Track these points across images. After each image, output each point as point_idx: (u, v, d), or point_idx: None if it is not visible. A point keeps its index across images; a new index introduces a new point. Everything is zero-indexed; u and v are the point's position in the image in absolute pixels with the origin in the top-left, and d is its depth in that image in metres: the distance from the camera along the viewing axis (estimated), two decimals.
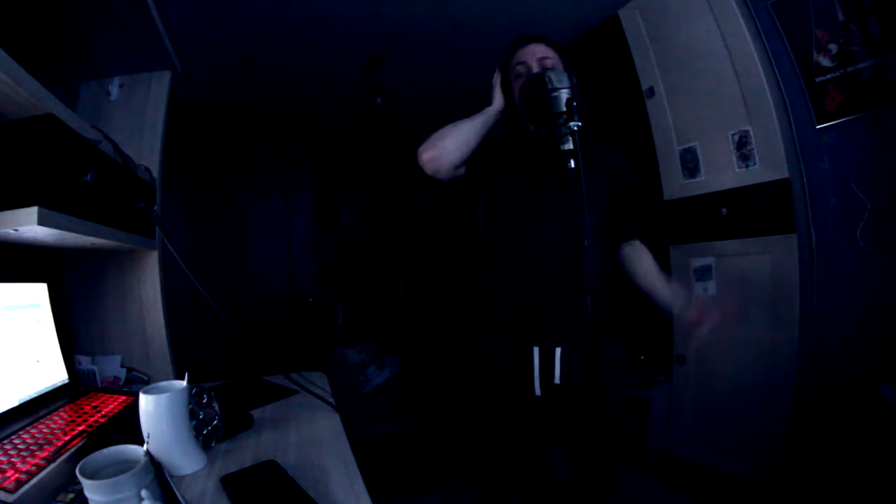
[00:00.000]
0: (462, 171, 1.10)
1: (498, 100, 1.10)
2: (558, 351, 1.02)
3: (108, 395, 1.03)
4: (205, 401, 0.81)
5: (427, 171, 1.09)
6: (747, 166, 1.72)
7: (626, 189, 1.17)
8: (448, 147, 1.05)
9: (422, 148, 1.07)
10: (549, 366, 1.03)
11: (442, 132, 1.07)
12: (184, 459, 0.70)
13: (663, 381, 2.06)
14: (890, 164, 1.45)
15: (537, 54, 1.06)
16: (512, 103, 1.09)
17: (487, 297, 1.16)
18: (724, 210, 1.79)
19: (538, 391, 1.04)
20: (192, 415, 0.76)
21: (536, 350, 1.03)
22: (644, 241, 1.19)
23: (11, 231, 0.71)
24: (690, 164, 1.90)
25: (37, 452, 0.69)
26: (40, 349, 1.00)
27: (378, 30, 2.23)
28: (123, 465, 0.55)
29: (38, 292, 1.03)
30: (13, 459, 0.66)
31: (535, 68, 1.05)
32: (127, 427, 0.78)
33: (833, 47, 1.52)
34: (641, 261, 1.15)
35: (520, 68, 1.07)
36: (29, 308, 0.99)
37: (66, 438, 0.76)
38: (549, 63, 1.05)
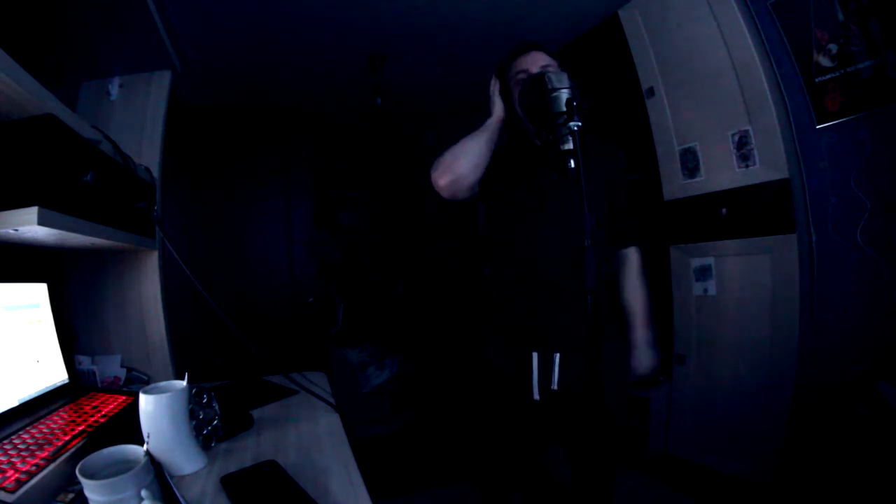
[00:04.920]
0: (478, 188, 1.09)
1: (498, 109, 1.09)
2: (557, 357, 1.01)
3: (108, 395, 1.03)
4: (205, 401, 0.81)
5: (445, 196, 1.07)
6: (747, 166, 1.72)
7: (621, 192, 1.16)
8: (463, 170, 1.03)
9: (436, 174, 1.05)
10: (547, 371, 1.02)
11: (452, 154, 1.05)
12: (184, 459, 0.70)
13: (663, 381, 2.06)
14: (890, 164, 1.45)
15: (538, 62, 1.06)
16: (512, 111, 1.08)
17: (489, 300, 1.16)
18: (724, 210, 1.79)
19: (537, 396, 1.03)
20: (192, 415, 0.76)
21: (535, 355, 1.03)
22: (640, 245, 1.19)
23: (11, 231, 0.71)
24: (690, 164, 1.90)
25: (37, 452, 0.69)
26: (40, 349, 1.00)
27: (378, 30, 2.23)
28: (123, 465, 0.55)
29: (38, 292, 1.03)
30: (13, 459, 0.66)
31: None
32: (127, 427, 0.78)
33: (833, 47, 1.52)
34: (626, 284, 1.17)
35: (521, 76, 1.06)
36: (29, 308, 0.99)
37: (66, 438, 0.76)
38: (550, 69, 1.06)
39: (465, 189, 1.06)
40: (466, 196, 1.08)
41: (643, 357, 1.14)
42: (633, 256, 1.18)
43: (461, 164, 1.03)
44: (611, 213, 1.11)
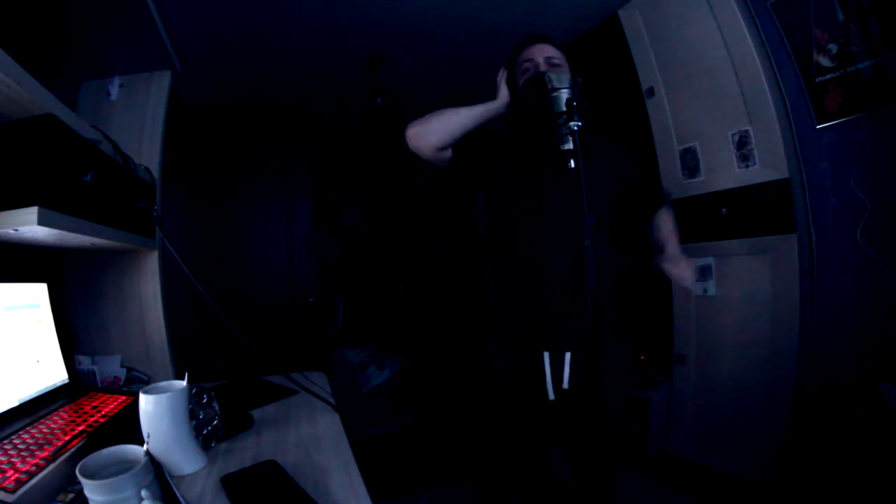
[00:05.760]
0: (448, 155, 1.10)
1: (503, 94, 1.10)
2: (568, 356, 1.01)
3: (108, 395, 1.03)
4: (205, 401, 0.81)
5: (409, 147, 1.10)
6: (747, 166, 1.72)
7: (638, 174, 1.20)
8: (433, 127, 1.06)
9: (411, 122, 1.09)
10: (559, 370, 1.02)
11: (438, 112, 1.08)
12: (184, 459, 0.70)
13: (663, 381, 2.06)
14: (890, 164, 1.45)
15: (545, 53, 1.07)
16: (517, 100, 1.09)
17: (492, 300, 1.16)
18: (724, 210, 1.79)
19: (552, 396, 1.03)
20: (192, 415, 0.76)
21: (546, 355, 1.02)
22: (670, 205, 1.25)
23: (11, 231, 0.71)
24: (690, 164, 1.90)
25: (37, 452, 0.69)
26: (40, 349, 1.00)
27: (378, 30, 2.23)
28: (123, 465, 0.55)
29: (38, 292, 1.03)
30: (13, 459, 0.66)
31: (543, 66, 1.05)
32: (127, 427, 0.78)
33: (833, 47, 1.52)
34: (661, 221, 1.22)
35: (527, 65, 1.07)
36: (29, 308, 0.99)
37: (66, 438, 0.76)
38: (555, 62, 1.06)
39: (426, 146, 1.08)
40: (431, 157, 1.10)
41: (683, 265, 1.13)
42: (665, 213, 1.23)
43: (433, 123, 1.07)
44: (631, 196, 1.15)
